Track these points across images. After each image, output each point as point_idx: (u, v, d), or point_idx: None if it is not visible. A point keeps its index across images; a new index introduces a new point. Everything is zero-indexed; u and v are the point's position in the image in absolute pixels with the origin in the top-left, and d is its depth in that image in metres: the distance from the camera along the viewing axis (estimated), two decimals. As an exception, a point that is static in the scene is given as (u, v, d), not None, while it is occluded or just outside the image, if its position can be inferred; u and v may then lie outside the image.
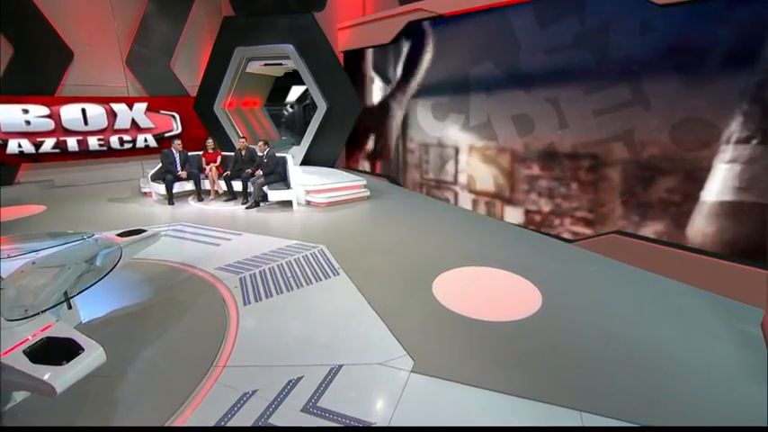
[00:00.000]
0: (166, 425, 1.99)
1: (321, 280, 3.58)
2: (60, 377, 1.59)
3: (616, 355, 2.52)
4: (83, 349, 1.72)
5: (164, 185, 6.32)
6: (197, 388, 2.24)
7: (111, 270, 2.45)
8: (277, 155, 6.41)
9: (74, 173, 8.23)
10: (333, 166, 7.86)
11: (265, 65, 8.19)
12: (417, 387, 2.22)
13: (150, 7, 8.19)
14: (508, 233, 4.98)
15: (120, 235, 3.30)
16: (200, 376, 2.33)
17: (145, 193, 6.92)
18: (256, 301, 3.23)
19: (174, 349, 2.64)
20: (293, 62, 7.53)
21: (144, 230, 3.46)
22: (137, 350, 2.59)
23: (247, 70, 8.07)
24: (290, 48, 7.39)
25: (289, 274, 3.69)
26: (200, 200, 6.56)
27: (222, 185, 6.63)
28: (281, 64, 8.07)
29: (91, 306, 3.05)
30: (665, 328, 2.84)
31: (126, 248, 3.09)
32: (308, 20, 7.38)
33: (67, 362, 1.64)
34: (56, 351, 1.70)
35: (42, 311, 1.93)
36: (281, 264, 3.94)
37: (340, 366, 2.39)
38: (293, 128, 12.29)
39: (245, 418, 2.01)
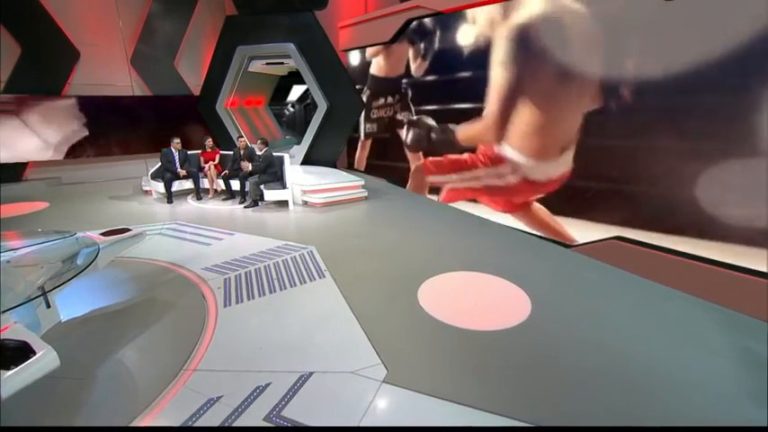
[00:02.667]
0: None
1: (305, 282, 3.51)
2: (6, 382, 1.55)
3: (605, 370, 2.38)
4: (35, 353, 1.68)
5: (163, 184, 6.36)
6: (163, 392, 2.19)
7: (83, 270, 2.42)
8: (274, 154, 6.37)
9: (81, 170, 8.38)
10: (334, 166, 7.80)
11: (267, 64, 8.18)
12: (387, 399, 2.13)
13: (155, 7, 8.26)
14: (505, 236, 4.83)
15: (104, 234, 3.29)
16: (169, 380, 2.29)
17: (146, 192, 6.99)
18: (237, 302, 3.18)
19: (148, 351, 2.60)
20: (294, 61, 7.49)
21: (129, 230, 3.45)
22: (110, 351, 2.56)
23: (249, 69, 8.07)
24: (290, 47, 7.36)
25: (274, 276, 3.63)
26: (199, 198, 6.58)
27: (221, 184, 6.64)
28: (282, 63, 8.05)
29: (72, 305, 3.05)
30: (661, 342, 2.67)
31: (107, 248, 3.09)
32: (309, 18, 7.33)
33: (16, 366, 1.60)
34: (7, 354, 1.67)
35: (3, 311, 1.91)
36: (268, 265, 3.88)
37: (310, 374, 2.31)
38: (294, 127, 12.30)
39: (205, 425, 1.96)
